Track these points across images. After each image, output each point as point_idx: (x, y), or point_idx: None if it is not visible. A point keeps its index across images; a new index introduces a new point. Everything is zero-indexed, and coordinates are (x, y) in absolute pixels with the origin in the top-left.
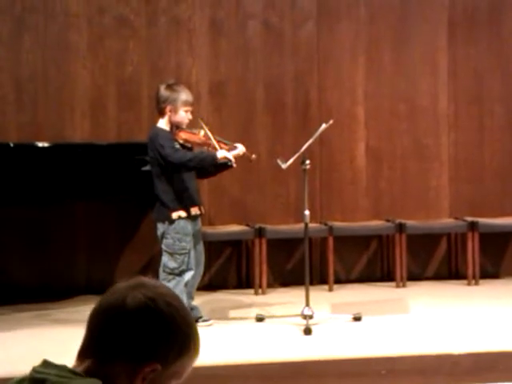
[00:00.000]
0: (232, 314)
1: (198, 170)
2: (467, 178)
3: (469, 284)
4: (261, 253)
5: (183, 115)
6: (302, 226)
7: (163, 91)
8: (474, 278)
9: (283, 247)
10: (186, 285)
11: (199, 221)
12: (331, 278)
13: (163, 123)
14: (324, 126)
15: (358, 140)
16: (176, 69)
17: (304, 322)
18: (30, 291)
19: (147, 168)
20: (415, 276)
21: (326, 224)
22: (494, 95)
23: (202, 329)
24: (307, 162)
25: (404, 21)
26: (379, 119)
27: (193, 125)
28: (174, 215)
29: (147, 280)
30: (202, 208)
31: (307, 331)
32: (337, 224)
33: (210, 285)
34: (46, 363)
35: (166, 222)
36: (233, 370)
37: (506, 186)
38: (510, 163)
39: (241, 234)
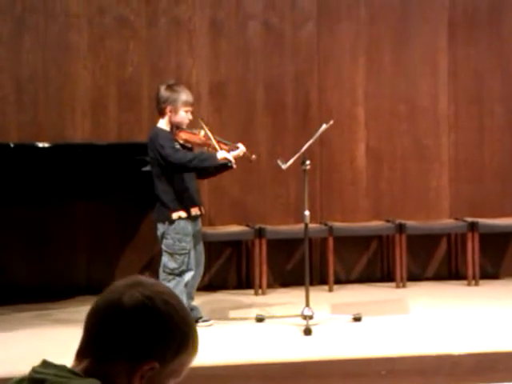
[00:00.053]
0: (232, 314)
1: (198, 170)
2: (467, 179)
3: (469, 284)
4: (261, 253)
5: (183, 115)
6: (302, 226)
7: (163, 92)
8: (473, 278)
9: (283, 247)
10: (185, 285)
11: (199, 221)
12: (331, 278)
13: (163, 123)
14: (324, 126)
15: (359, 140)
16: (176, 69)
17: (304, 322)
18: (30, 291)
19: (147, 168)
20: (415, 276)
21: (326, 224)
22: (494, 95)
23: (202, 329)
24: (307, 162)
25: (404, 21)
26: (379, 120)
27: (193, 125)
28: (174, 215)
29: (145, 279)
30: (202, 208)
31: (307, 331)
32: (337, 224)
33: (210, 285)
34: (45, 363)
35: (166, 223)
36: (233, 370)
37: (506, 187)
38: (510, 163)
39: (241, 234)
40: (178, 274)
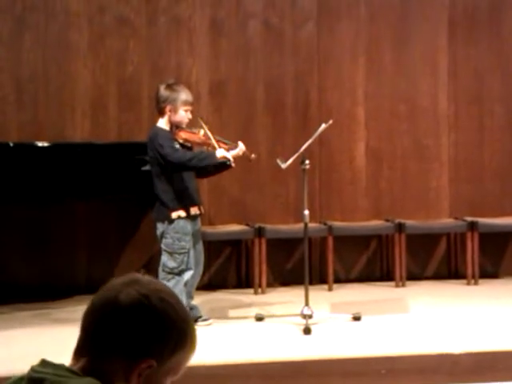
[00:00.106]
0: (231, 313)
1: (197, 169)
2: (467, 178)
3: (468, 284)
4: (260, 252)
5: (183, 115)
6: (301, 225)
7: (163, 91)
8: (473, 277)
9: (283, 247)
10: (185, 284)
11: (199, 220)
12: (331, 277)
13: (163, 123)
14: (324, 126)
15: (358, 140)
16: (176, 68)
17: (303, 321)
18: (30, 290)
19: (147, 168)
20: (415, 276)
21: (325, 224)
22: (494, 95)
23: (201, 328)
24: (307, 161)
25: (404, 20)
26: (379, 119)
27: (193, 124)
28: (174, 215)
29: (141, 277)
30: (201, 208)
31: (307, 331)
32: (336, 224)
33: (209, 284)
34: (44, 362)
35: (166, 222)
36: (232, 369)
37: (506, 186)
38: (509, 163)
39: (240, 233)
40: (178, 273)
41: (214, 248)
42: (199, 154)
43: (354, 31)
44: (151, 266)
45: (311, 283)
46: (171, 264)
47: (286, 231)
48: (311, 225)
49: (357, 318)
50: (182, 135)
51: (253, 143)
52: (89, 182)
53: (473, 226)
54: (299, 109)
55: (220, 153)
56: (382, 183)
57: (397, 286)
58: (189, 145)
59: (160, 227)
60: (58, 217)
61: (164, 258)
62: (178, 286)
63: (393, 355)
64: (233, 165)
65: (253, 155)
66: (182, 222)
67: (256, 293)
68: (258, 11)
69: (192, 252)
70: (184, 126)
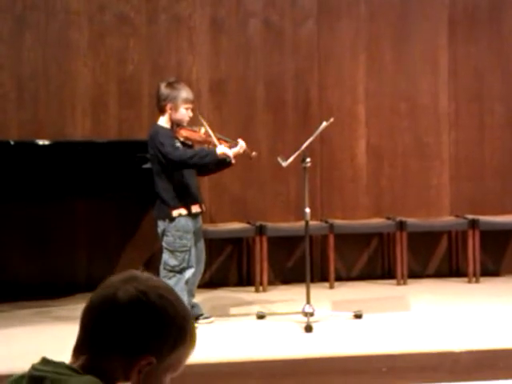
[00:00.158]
0: (233, 311)
1: (198, 167)
2: (468, 176)
3: (469, 282)
4: (261, 250)
5: (183, 113)
6: (302, 223)
7: (163, 89)
8: (474, 275)
9: (284, 245)
10: (186, 282)
11: (200, 218)
12: (332, 275)
13: (163, 121)
14: (324, 124)
15: (359, 138)
16: (176, 67)
17: (305, 319)
18: (30, 288)
19: (148, 166)
20: (416, 274)
21: (326, 222)
22: (495, 93)
23: (202, 326)
24: (308, 159)
25: (404, 19)
26: (380, 117)
27: (193, 122)
28: (175, 213)
29: (140, 273)
30: (202, 206)
31: (308, 328)
32: (337, 222)
33: (210, 282)
34: (44, 361)
35: (167, 220)
36: (234, 367)
37: (507, 184)
38: (510, 161)
39: (241, 231)
40: (179, 271)
41: (215, 246)
42: (200, 151)
43: (355, 29)
44: (152, 264)
45: (312, 281)
46: (172, 262)
47: (287, 229)
48: (312, 223)
49: (358, 316)
50: (183, 133)
51: (253, 141)
52: (89, 180)
53: (474, 223)
54: (300, 107)
55: (220, 149)
56: (382, 181)
57: (398, 283)
58: (189, 143)
59: (161, 225)
60: (59, 215)
61: (165, 256)
62: (179, 284)
63: (394, 353)
64: (233, 161)
65: (254, 153)
66: (183, 220)
67: (257, 291)
68: (258, 9)
69: (193, 250)
70: (185, 124)
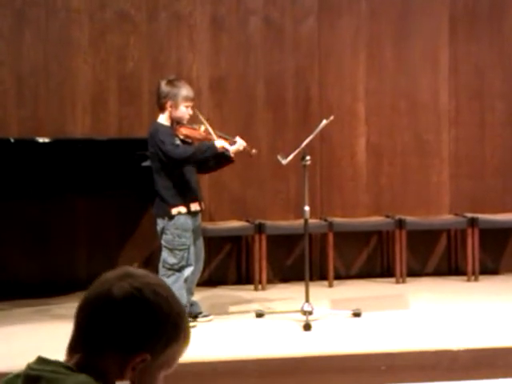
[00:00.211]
0: (232, 309)
1: (200, 163)
2: (468, 174)
3: (468, 280)
4: (261, 248)
5: (184, 111)
6: (301, 221)
7: (164, 87)
8: (473, 274)
9: (283, 243)
10: (185, 280)
11: (199, 216)
12: (331, 273)
13: (164, 119)
14: (325, 121)
15: (359, 136)
16: (177, 64)
17: (304, 317)
18: (30, 286)
19: (147, 163)
20: (415, 272)
21: (326, 220)
22: (495, 91)
23: (201, 324)
24: (307, 157)
25: (405, 17)
26: (380, 115)
27: (193, 120)
28: (174, 211)
29: (134, 270)
30: (202, 204)
31: (307, 327)
32: (337, 220)
33: (209, 280)
34: (40, 360)
35: (166, 218)
36: (232, 365)
37: (507, 182)
38: (510, 159)
39: (241, 229)
40: (178, 269)
41: (214, 244)
42: (199, 146)
43: (355, 27)
44: (151, 262)
45: (311, 279)
46: (171, 260)
47: (286, 227)
48: (312, 221)
49: (357, 315)
50: (183, 131)
51: (253, 139)
52: (89, 177)
53: (473, 222)
54: (300, 105)
55: (219, 143)
56: (382, 179)
57: (397, 282)
58: (189, 141)
59: (160, 223)
60: (59, 213)
61: (164, 254)
62: (178, 282)
63: (393, 351)
64: (232, 155)
65: (254, 150)
66: (182, 218)
67: (256, 289)
68: (259, 7)
69: (192, 248)
70: (185, 121)
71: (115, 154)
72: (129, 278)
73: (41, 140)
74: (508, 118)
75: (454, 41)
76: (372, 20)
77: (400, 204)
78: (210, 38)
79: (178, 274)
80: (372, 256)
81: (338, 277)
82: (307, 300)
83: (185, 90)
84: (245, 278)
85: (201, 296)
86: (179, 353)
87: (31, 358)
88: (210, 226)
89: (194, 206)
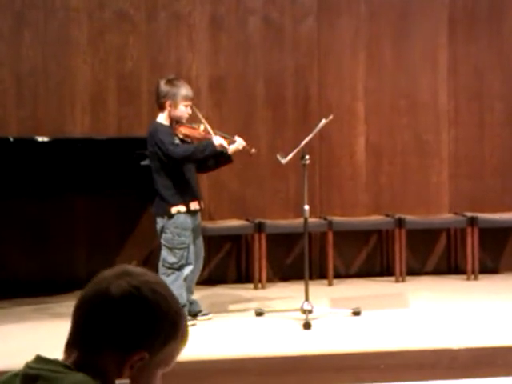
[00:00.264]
0: (231, 308)
1: (199, 161)
2: (467, 174)
3: (468, 279)
4: (260, 247)
5: (183, 110)
6: (301, 220)
7: (163, 86)
8: (473, 273)
9: (283, 242)
10: (185, 279)
11: (199, 215)
12: (331, 272)
13: (163, 118)
14: (324, 121)
15: (358, 135)
16: (176, 64)
17: (303, 316)
18: (29, 285)
19: (146, 162)
20: (415, 271)
21: (325, 219)
22: (494, 92)
23: (201, 323)
24: (307, 157)
25: (404, 17)
26: (379, 115)
27: (193, 119)
28: (174, 210)
29: (132, 268)
30: (201, 203)
31: (306, 325)
32: (336, 219)
33: (209, 279)
34: (39, 359)
35: (166, 217)
36: (232, 363)
37: (506, 182)
38: (510, 159)
39: (240, 228)
40: (178, 268)
41: (213, 243)
42: (198, 145)
43: (355, 26)
44: (151, 261)
45: (311, 278)
46: (171, 259)
47: (285, 226)
48: (311, 220)
49: (356, 313)
50: (182, 130)
51: (253, 138)
52: (89, 177)
53: (473, 221)
54: (299, 104)
55: (217, 140)
56: (382, 178)
57: (397, 281)
58: (189, 140)
59: (160, 222)
60: (58, 212)
61: (164, 253)
62: (177, 281)
63: (392, 350)
64: (230, 151)
65: (253, 149)
66: (181, 217)
67: (256, 288)
68: (258, 7)
69: (192, 247)
70: (184, 121)
71: (114, 153)
72: (127, 276)
73: (40, 139)
74: (507, 119)
75: (453, 41)
76: (371, 20)
77: (399, 203)
78: (210, 38)
79: (177, 272)
80: (372, 255)
81: (338, 276)
82: (307, 299)
83: (184, 90)
84: (244, 276)
85: (200, 295)
86: (177, 351)
87: (30, 357)
88: (209, 224)
89: (194, 205)
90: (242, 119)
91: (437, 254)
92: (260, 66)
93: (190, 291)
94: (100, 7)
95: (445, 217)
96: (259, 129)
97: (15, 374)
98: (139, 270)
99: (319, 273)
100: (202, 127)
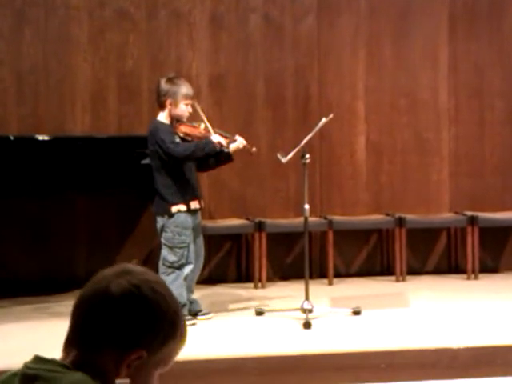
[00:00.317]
0: (231, 307)
1: (200, 159)
2: (467, 173)
3: (468, 278)
4: (260, 247)
5: (183, 108)
6: (301, 219)
7: (163, 84)
8: (473, 272)
9: (283, 241)
10: (185, 278)
11: (199, 214)
12: (331, 271)
13: (163, 116)
14: (324, 120)
15: (358, 134)
16: (176, 62)
17: (303, 315)
18: (30, 284)
19: (147, 161)
20: (415, 270)
21: (325, 218)
22: (495, 90)
23: (201, 322)
24: (307, 156)
25: (404, 15)
26: (380, 113)
27: (193, 118)
28: (174, 209)
29: (132, 267)
30: (201, 202)
31: (307, 325)
32: (337, 218)
33: (209, 278)
34: (37, 358)
35: (166, 216)
36: (232, 363)
37: (507, 181)
38: (510, 157)
39: (241, 227)
40: (178, 267)
41: (214, 242)
42: (198, 143)
43: (355, 25)
44: (151, 260)
45: (311, 277)
46: (171, 258)
47: (286, 225)
48: (311, 219)
49: (357, 313)
50: (183, 129)
51: (253, 137)
52: (89, 175)
53: (473, 220)
54: (299, 103)
55: (215, 138)
56: (382, 177)
57: (397, 280)
58: (189, 139)
59: (160, 221)
60: (58, 211)
61: (164, 252)
62: (177, 280)
63: (392, 349)
64: (227, 150)
65: (254, 148)
66: (182, 216)
67: (256, 287)
68: (259, 5)
69: (192, 246)
70: (184, 119)
71: (115, 151)
72: (127, 275)
73: (40, 138)
74: (507, 117)
75: (453, 39)
76: (371, 18)
77: (400, 202)
78: (210, 36)
79: (177, 271)
80: (372, 254)
81: (338, 275)
82: (307, 298)
83: (184, 88)
84: (245, 275)
85: (201, 294)
86: (175, 351)
87: (29, 356)
88: (209, 224)
89: (194, 204)
90: (242, 118)
91: (437, 253)
92: (260, 64)
93: (190, 290)
94: (100, 5)
95: (445, 216)
96: (259, 128)
97: (14, 374)
98: (139, 268)
99: (319, 272)
100: (202, 126)
